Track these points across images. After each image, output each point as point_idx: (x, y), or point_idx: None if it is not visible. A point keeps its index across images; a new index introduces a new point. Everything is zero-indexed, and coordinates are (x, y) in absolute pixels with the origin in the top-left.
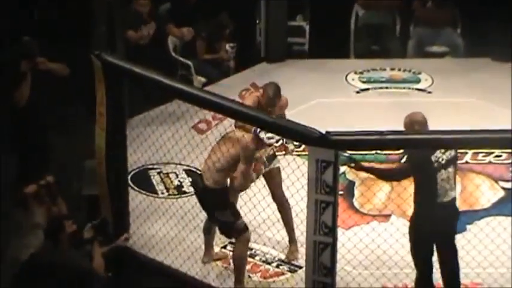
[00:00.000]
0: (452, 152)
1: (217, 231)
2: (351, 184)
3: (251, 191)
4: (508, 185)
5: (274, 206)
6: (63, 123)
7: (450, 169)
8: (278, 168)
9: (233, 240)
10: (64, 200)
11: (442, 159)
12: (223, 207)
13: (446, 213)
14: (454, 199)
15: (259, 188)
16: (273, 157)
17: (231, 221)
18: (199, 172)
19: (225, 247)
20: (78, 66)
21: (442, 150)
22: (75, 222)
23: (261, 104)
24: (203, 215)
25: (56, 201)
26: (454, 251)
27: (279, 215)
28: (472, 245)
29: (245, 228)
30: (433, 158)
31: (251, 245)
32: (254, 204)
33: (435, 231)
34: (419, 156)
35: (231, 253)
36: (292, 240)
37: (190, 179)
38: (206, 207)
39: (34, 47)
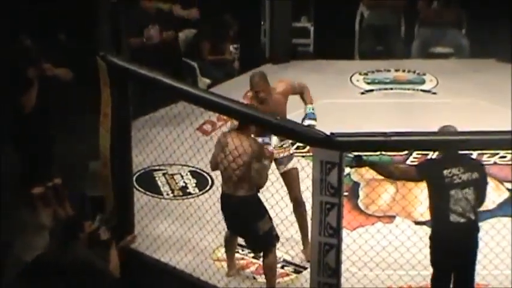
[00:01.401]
0: (475, 175)
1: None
2: (356, 185)
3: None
4: None
5: (278, 207)
6: (67, 124)
7: (468, 190)
8: (296, 169)
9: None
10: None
11: (459, 178)
12: (262, 214)
13: (461, 235)
14: (472, 222)
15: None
16: (290, 158)
17: (270, 226)
18: (225, 191)
19: None
20: (82, 68)
21: (461, 170)
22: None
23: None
24: (208, 215)
25: (63, 203)
26: (470, 280)
27: (282, 216)
28: None
29: (277, 235)
30: (444, 173)
31: None
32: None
33: (450, 250)
34: (429, 166)
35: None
36: (305, 242)
37: (221, 203)
38: (246, 222)
39: (38, 52)
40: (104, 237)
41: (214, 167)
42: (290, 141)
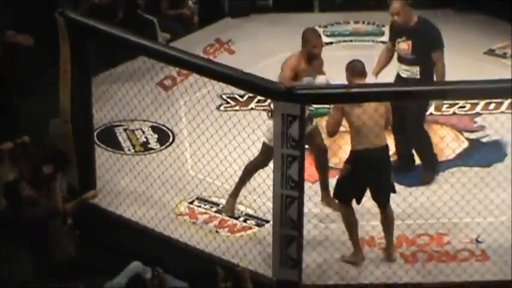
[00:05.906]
0: None
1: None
2: None
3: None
4: (472, 136)
5: (240, 160)
6: (28, 84)
7: None
8: (316, 126)
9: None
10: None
11: None
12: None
13: None
14: None
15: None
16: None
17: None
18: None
19: (192, 202)
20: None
21: None
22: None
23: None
24: (172, 170)
25: (31, 161)
26: None
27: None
28: (437, 195)
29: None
30: None
31: (219, 200)
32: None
33: None
34: None
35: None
36: (325, 187)
37: (365, 159)
38: (388, 170)
39: (5, 19)
40: (47, 171)
41: (333, 132)
42: None
